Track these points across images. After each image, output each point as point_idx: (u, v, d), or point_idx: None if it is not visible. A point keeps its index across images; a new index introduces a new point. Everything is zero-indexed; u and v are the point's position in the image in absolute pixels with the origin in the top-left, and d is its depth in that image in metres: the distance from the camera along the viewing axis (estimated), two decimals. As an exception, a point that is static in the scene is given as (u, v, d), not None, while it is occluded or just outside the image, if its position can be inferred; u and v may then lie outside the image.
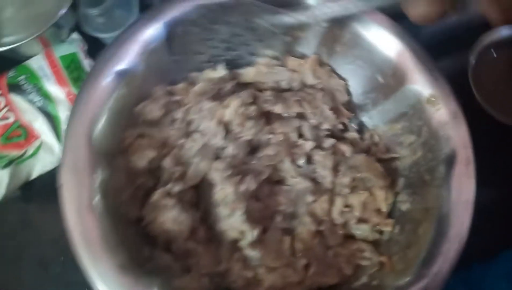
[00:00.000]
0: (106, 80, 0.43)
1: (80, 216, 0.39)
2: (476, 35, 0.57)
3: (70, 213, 0.39)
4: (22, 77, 0.55)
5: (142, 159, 0.45)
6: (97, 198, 0.40)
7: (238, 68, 0.51)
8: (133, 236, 0.43)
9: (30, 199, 0.57)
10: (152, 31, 0.45)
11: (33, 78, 0.55)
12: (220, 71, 0.49)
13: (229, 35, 0.49)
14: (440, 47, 0.61)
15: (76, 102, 0.42)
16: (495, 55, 0.59)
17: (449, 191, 0.42)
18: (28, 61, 0.57)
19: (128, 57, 0.44)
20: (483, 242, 0.54)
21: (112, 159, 0.44)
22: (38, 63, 0.56)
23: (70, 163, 0.41)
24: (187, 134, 0.48)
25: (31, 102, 0.54)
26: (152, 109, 0.47)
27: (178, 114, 0.48)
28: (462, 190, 0.42)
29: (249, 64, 0.52)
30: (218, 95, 0.49)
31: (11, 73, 0.55)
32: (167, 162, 0.46)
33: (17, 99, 0.54)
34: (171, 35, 0.46)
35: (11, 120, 0.54)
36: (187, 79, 0.50)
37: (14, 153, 0.53)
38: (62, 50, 0.58)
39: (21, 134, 0.54)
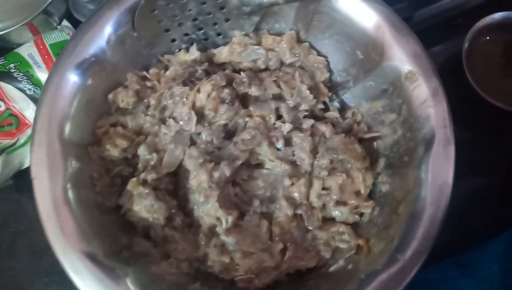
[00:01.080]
0: (73, 70, 0.43)
1: (54, 209, 0.40)
2: (470, 19, 0.57)
3: (44, 206, 0.40)
4: (12, 65, 0.55)
5: (116, 148, 0.45)
6: (70, 190, 0.41)
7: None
8: (111, 225, 0.44)
9: (23, 189, 0.57)
10: (116, 16, 0.44)
11: (23, 66, 0.55)
12: (193, 52, 0.48)
13: (196, 11, 0.47)
14: (434, 30, 0.62)
15: (42, 95, 0.42)
16: (488, 38, 0.58)
17: (426, 172, 0.41)
18: (18, 48, 0.57)
19: (93, 46, 0.44)
20: (478, 227, 0.56)
21: (85, 150, 0.44)
22: (28, 50, 0.56)
23: (42, 156, 0.41)
24: (161, 121, 0.47)
25: (22, 90, 0.55)
26: (124, 96, 0.46)
27: (152, 100, 0.47)
28: (440, 172, 0.40)
29: (220, 45, 0.50)
30: (191, 79, 0.47)
31: (0, 61, 0.55)
32: (142, 150, 0.46)
33: (7, 87, 0.54)
34: (138, 13, 0.45)
35: (2, 108, 0.54)
36: (160, 63, 0.49)
37: (6, 141, 0.54)
38: (52, 38, 0.58)
39: (12, 122, 0.54)
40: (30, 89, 0.55)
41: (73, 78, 0.43)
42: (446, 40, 0.63)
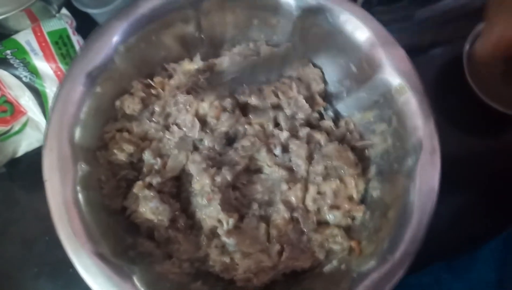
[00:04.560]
0: (83, 79, 0.45)
1: (65, 210, 0.42)
2: (472, 20, 0.56)
3: (55, 207, 0.42)
4: (9, 51, 0.54)
5: (123, 153, 0.47)
6: (80, 192, 0.43)
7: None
8: (117, 226, 0.46)
9: (15, 177, 0.57)
10: (125, 27, 0.46)
11: (20, 52, 0.54)
12: (197, 62, 0.50)
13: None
14: (434, 31, 0.62)
15: (54, 103, 0.44)
16: None
17: (414, 179, 0.44)
18: (15, 35, 0.56)
19: (103, 56, 0.46)
20: (470, 231, 0.57)
21: (94, 154, 0.46)
22: (25, 37, 0.55)
23: (53, 160, 0.43)
24: (166, 127, 0.49)
25: (18, 77, 0.54)
26: (130, 103, 0.48)
27: (156, 107, 0.49)
28: (427, 179, 0.43)
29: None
30: (194, 88, 0.50)
31: None
32: (147, 155, 0.48)
33: (3, 74, 0.53)
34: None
35: None
36: (164, 72, 0.51)
37: (0, 129, 0.53)
38: (50, 26, 0.57)
39: (7, 109, 0.53)
40: (26, 76, 0.54)
41: (83, 86, 0.45)
42: (446, 41, 0.62)
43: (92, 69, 0.45)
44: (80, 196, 0.43)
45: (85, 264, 0.40)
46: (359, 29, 0.48)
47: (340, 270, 0.45)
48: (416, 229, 0.42)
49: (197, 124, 0.48)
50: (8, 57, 0.53)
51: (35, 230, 0.53)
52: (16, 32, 0.57)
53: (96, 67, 0.46)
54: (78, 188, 0.43)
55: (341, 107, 0.54)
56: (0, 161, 0.54)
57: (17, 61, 0.53)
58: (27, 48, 0.54)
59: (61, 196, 0.42)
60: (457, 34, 0.60)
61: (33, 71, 0.55)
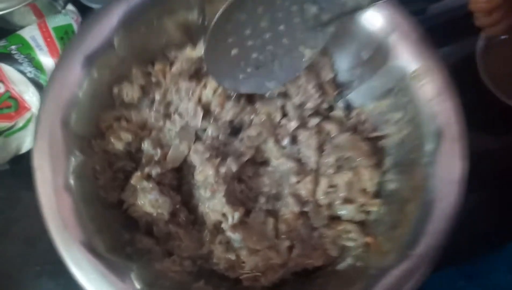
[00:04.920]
0: (79, 62, 0.42)
1: (56, 201, 0.38)
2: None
3: (45, 198, 0.38)
4: (14, 46, 0.54)
5: (120, 142, 0.44)
6: (73, 183, 0.39)
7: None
8: (113, 220, 0.43)
9: (19, 174, 0.54)
10: (125, 10, 0.43)
11: (25, 48, 0.54)
12: (200, 49, 0.47)
13: (268, 25, 0.41)
14: (447, 27, 0.61)
15: (48, 86, 0.41)
16: (504, 37, 0.56)
17: (435, 169, 0.41)
18: (21, 30, 0.55)
19: (101, 38, 0.43)
20: (487, 235, 0.54)
21: (89, 143, 0.43)
22: (30, 33, 0.55)
23: (44, 147, 0.40)
24: (166, 116, 0.46)
25: (23, 72, 0.53)
26: (129, 90, 0.45)
27: (157, 95, 0.46)
28: (449, 169, 0.41)
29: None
30: (197, 75, 0.47)
31: (2, 42, 0.54)
32: (146, 145, 0.45)
33: (8, 69, 0.53)
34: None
35: (1, 90, 0.53)
36: (166, 58, 0.48)
37: (4, 124, 0.52)
38: (56, 21, 0.57)
39: (11, 105, 0.53)
40: (30, 72, 0.53)
41: (79, 70, 0.42)
42: (459, 38, 0.61)
43: (89, 53, 0.42)
44: (73, 186, 0.39)
45: (76, 260, 0.37)
46: (371, 14, 0.45)
47: (356, 267, 0.42)
48: (438, 222, 0.39)
49: (200, 113, 0.45)
50: (13, 52, 0.53)
51: (37, 229, 0.52)
52: (21, 27, 0.56)
53: (94, 50, 0.43)
54: (71, 177, 0.40)
55: (352, 97, 0.51)
56: (3, 158, 0.53)
57: (22, 56, 0.53)
58: (32, 43, 0.54)
59: (52, 184, 0.38)
60: (470, 31, 0.58)
61: (38, 67, 0.54)
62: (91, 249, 0.38)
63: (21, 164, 0.55)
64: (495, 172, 0.56)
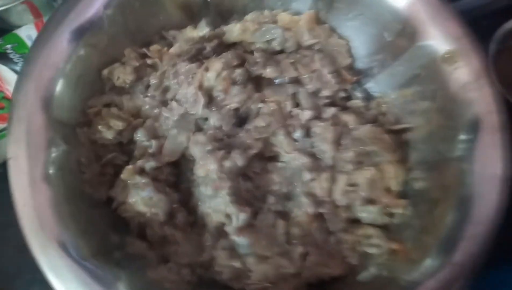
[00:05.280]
0: (63, 37, 0.37)
1: (32, 194, 0.33)
2: (497, 19, 0.52)
3: (19, 191, 0.34)
4: (9, 46, 0.51)
5: (109, 130, 0.39)
6: (53, 174, 0.34)
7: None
8: (100, 220, 0.38)
9: None
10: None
11: (21, 47, 0.52)
12: (202, 28, 0.42)
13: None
14: None
15: (27, 62, 0.36)
16: None
17: (471, 165, 0.36)
18: (17, 30, 0.53)
19: (89, 11, 0.38)
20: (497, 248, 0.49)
21: (74, 131, 0.38)
22: (27, 32, 0.53)
23: (21, 134, 0.35)
24: (163, 103, 0.41)
25: (18, 72, 0.50)
26: (121, 74, 0.40)
27: (152, 79, 0.41)
28: (488, 163, 0.35)
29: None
30: (198, 56, 0.42)
31: None
32: (139, 135, 0.40)
33: (2, 69, 0.51)
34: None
35: None
36: (163, 40, 0.43)
37: None
38: None
39: (4, 106, 0.50)
40: None
41: (64, 46, 0.37)
42: None
43: (75, 27, 0.37)
44: (53, 179, 0.34)
45: (53, 265, 0.32)
46: (396, -10, 0.40)
47: (382, 278, 0.36)
48: (478, 225, 0.34)
49: (201, 99, 0.40)
50: (8, 51, 0.51)
51: None
52: (18, 27, 0.54)
53: (82, 25, 0.37)
54: (51, 169, 0.34)
55: (371, 86, 0.46)
56: None
57: (17, 56, 0.51)
58: (28, 42, 0.52)
59: (28, 176, 0.33)
60: (481, 35, 0.55)
61: (34, 67, 0.51)
62: (72, 254, 0.32)
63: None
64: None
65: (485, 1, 0.57)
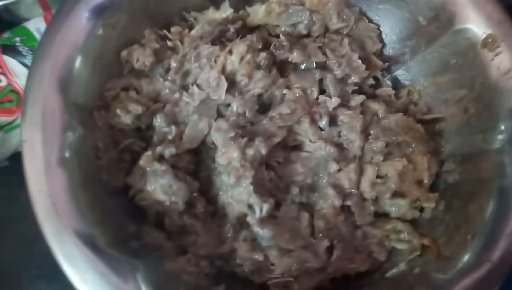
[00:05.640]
0: (82, 16, 0.35)
1: (47, 180, 0.31)
2: None
3: (34, 177, 0.32)
4: (18, 38, 0.51)
5: (128, 115, 0.37)
6: (69, 159, 0.32)
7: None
8: (117, 209, 0.36)
9: (19, 172, 0.50)
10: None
11: (30, 40, 0.51)
12: (225, 9, 0.40)
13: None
14: None
15: (43, 41, 0.34)
16: None
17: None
18: (26, 23, 0.52)
19: (109, -11, 0.36)
20: None
21: (91, 114, 0.36)
22: (36, 25, 0.52)
23: (36, 116, 0.33)
24: (183, 87, 0.39)
25: (26, 65, 0.50)
26: (140, 56, 0.39)
27: (172, 62, 0.39)
28: (531, 155, 0.33)
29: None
30: (221, 39, 0.40)
31: (6, 34, 0.51)
32: (159, 120, 0.38)
33: (11, 62, 0.50)
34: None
35: (3, 83, 0.49)
36: (184, 23, 0.41)
37: (4, 119, 0.49)
38: None
39: (13, 99, 0.49)
40: None
41: (82, 24, 0.35)
42: None
43: (94, 5, 0.35)
44: (69, 164, 0.32)
45: (69, 254, 0.30)
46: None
47: (413, 275, 0.34)
48: (522, 220, 0.31)
49: (224, 84, 0.38)
50: (17, 44, 0.51)
51: (36, 229, 0.48)
52: (28, 20, 0.53)
53: (100, 3, 0.36)
54: (67, 153, 0.33)
55: (401, 73, 0.44)
56: (2, 154, 0.49)
57: (26, 48, 0.51)
58: (37, 35, 0.52)
59: (43, 160, 0.31)
60: None
61: (42, 60, 0.50)
62: (89, 242, 0.31)
63: (21, 161, 0.50)
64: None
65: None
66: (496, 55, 0.36)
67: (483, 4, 0.36)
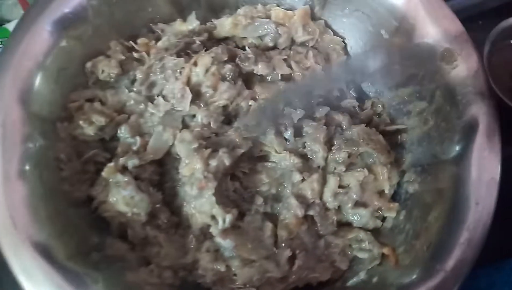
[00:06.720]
0: (44, 27, 0.35)
1: (4, 191, 0.31)
2: (492, 20, 0.49)
3: None
4: None
5: (91, 126, 0.37)
6: (29, 171, 0.32)
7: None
8: (79, 221, 0.36)
9: None
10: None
11: None
12: (192, 22, 0.41)
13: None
14: None
15: (4, 51, 0.34)
16: (511, 42, 0.51)
17: (468, 168, 0.34)
18: (7, 24, 0.53)
19: (73, 1, 0.36)
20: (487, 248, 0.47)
21: (53, 126, 0.36)
22: None
23: (-5, 127, 0.33)
24: (149, 98, 0.40)
25: None
26: (106, 67, 0.39)
27: (138, 74, 0.39)
28: (485, 167, 0.34)
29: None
30: (186, 51, 0.40)
31: None
32: (123, 131, 0.38)
33: None
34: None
35: None
36: (151, 33, 0.42)
37: None
38: None
39: None
40: None
41: (45, 35, 0.35)
42: None
43: (58, 17, 0.36)
44: (29, 175, 0.32)
45: (26, 268, 0.30)
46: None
47: (371, 284, 0.35)
48: (474, 231, 0.33)
49: (189, 95, 0.38)
50: None
51: None
52: (9, 22, 0.54)
53: (64, 14, 0.36)
54: (27, 165, 0.32)
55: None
56: None
57: None
58: None
59: (1, 173, 0.31)
60: (474, 36, 0.53)
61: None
62: (46, 255, 0.31)
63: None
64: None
65: (478, 0, 0.54)
66: (453, 68, 0.36)
67: (441, 18, 0.37)
